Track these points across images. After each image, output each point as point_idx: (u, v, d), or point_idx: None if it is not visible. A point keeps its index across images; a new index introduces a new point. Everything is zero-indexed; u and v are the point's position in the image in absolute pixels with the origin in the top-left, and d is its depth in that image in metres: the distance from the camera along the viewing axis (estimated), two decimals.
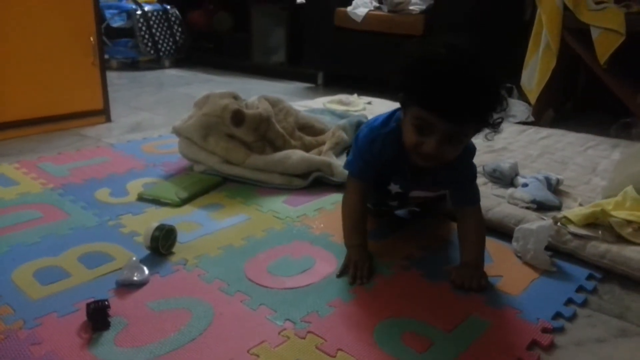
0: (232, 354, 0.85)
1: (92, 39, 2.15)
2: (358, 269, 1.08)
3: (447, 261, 1.17)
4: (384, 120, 1.13)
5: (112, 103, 2.32)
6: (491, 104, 0.98)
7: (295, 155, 1.60)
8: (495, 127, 1.02)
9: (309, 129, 1.88)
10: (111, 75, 2.40)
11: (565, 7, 2.23)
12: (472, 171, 1.16)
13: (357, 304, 1.00)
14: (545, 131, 2.23)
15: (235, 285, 1.04)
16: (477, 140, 1.09)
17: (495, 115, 1.00)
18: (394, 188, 1.20)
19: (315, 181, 1.58)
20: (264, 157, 1.60)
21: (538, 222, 1.21)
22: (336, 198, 1.49)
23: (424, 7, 2.84)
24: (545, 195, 1.41)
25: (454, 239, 1.28)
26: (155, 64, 3.82)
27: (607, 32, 2.14)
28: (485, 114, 0.98)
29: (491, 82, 0.96)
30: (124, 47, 3.68)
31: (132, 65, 3.75)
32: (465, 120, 0.97)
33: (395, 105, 1.10)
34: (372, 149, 1.11)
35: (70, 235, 1.23)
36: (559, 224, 1.24)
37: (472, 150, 1.14)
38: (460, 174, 1.13)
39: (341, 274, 1.09)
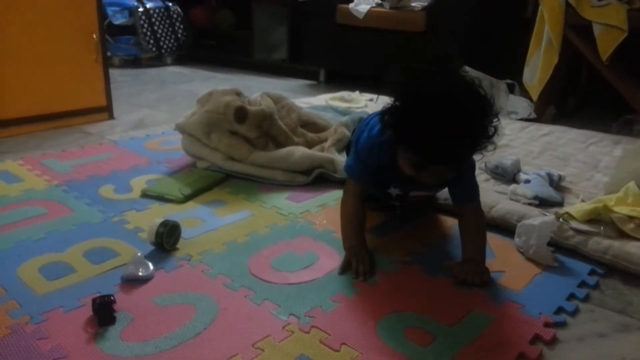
0: (237, 348, 0.86)
1: (94, 36, 2.16)
2: (360, 264, 1.08)
3: (449, 257, 1.17)
4: (381, 129, 1.11)
5: (115, 100, 2.32)
6: (481, 138, 0.98)
7: (298, 151, 1.60)
8: (490, 138, 1.00)
9: (311, 126, 1.89)
10: (113, 73, 2.41)
11: (567, 4, 2.23)
12: (470, 166, 1.15)
13: (361, 299, 1.00)
14: (547, 128, 2.23)
15: (240, 281, 1.05)
16: None
17: (487, 142, 0.99)
18: (394, 191, 1.21)
19: (318, 177, 1.59)
20: (267, 153, 1.60)
21: (540, 218, 1.21)
22: (339, 194, 1.48)
23: (425, 3, 2.84)
24: (548, 191, 1.41)
25: (456, 235, 1.29)
26: (157, 61, 3.83)
27: (609, 29, 2.14)
28: (476, 149, 1.00)
29: (478, 120, 0.96)
30: (126, 44, 3.69)
31: (134, 62, 3.76)
32: (457, 162, 1.00)
33: None
34: (370, 155, 1.13)
35: (75, 231, 1.23)
36: (561, 219, 1.25)
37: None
38: (460, 172, 1.12)
39: (343, 271, 1.09)
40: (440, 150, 0.95)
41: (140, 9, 3.67)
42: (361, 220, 1.17)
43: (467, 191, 1.15)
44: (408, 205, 1.31)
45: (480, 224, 1.15)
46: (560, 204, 1.39)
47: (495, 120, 0.99)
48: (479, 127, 0.96)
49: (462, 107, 0.93)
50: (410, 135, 0.98)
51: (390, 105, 1.01)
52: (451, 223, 1.35)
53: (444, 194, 1.34)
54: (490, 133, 0.99)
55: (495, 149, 1.03)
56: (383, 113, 1.03)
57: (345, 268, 1.10)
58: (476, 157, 1.06)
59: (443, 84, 0.95)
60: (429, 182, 1.04)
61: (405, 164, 1.03)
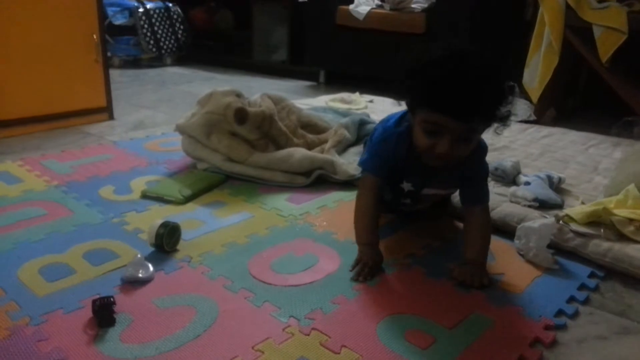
0: (237, 350, 0.85)
1: (95, 36, 2.16)
2: (365, 267, 1.08)
3: (450, 259, 1.17)
4: (397, 120, 1.15)
5: (115, 101, 2.32)
6: (497, 99, 1.00)
7: (298, 153, 1.60)
8: (504, 120, 1.03)
9: (311, 127, 1.89)
10: (113, 73, 2.41)
11: (568, 6, 2.23)
12: (483, 170, 1.17)
13: (361, 301, 1.00)
14: (546, 130, 2.24)
15: (240, 282, 1.05)
16: (487, 135, 1.09)
17: (503, 110, 1.01)
18: (407, 186, 1.20)
19: (317, 179, 1.59)
20: (267, 155, 1.60)
21: (540, 220, 1.21)
22: (339, 196, 1.50)
23: (425, 5, 2.84)
24: (548, 193, 1.41)
25: (457, 238, 1.29)
26: (157, 61, 3.83)
27: (609, 31, 2.14)
28: (492, 109, 1.00)
29: (495, 78, 0.98)
30: (126, 45, 3.69)
31: (134, 62, 3.76)
32: (474, 118, 0.99)
33: (397, 104, 1.11)
34: (387, 147, 1.13)
35: (75, 232, 1.23)
36: (561, 222, 1.25)
37: (484, 148, 1.15)
38: (473, 172, 1.14)
39: (354, 268, 1.10)
40: (458, 100, 0.95)
41: (141, 10, 3.67)
42: (376, 215, 1.17)
43: (477, 193, 1.16)
44: (417, 204, 1.30)
45: (486, 227, 1.15)
46: (560, 206, 1.39)
47: (510, 103, 1.01)
48: (492, 88, 0.98)
49: (481, 63, 0.97)
50: (429, 88, 0.98)
51: (410, 69, 1.02)
52: (452, 225, 1.36)
53: (455, 197, 1.33)
54: (504, 112, 1.01)
55: (510, 115, 1.04)
56: (401, 80, 1.04)
57: (356, 267, 1.10)
58: (488, 136, 1.08)
59: (463, 48, 1.00)
60: (444, 153, 1.00)
61: (420, 134, 1.03)
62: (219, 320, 0.93)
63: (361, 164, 1.22)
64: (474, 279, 1.06)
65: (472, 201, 1.16)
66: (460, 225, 1.34)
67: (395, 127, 1.13)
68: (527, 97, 2.49)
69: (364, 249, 1.13)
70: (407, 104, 1.07)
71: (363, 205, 1.17)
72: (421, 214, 1.36)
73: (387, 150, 1.13)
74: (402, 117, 1.15)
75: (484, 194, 1.16)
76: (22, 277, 1.04)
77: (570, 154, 1.91)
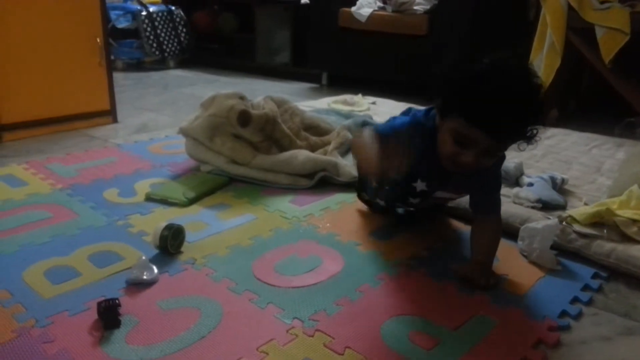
0: (241, 351, 0.86)
1: (98, 40, 2.16)
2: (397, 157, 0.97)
3: (453, 260, 1.17)
4: (424, 115, 1.12)
5: (118, 104, 2.33)
6: (534, 120, 0.99)
7: (301, 155, 1.61)
8: (530, 139, 1.02)
9: (314, 129, 1.89)
10: (116, 76, 2.42)
11: (570, 7, 2.23)
12: (498, 180, 1.17)
13: (364, 303, 1.01)
14: (549, 131, 2.23)
15: (244, 284, 1.05)
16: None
17: (534, 128, 1.01)
18: (420, 186, 1.17)
19: (321, 181, 1.59)
20: (270, 157, 1.61)
21: (543, 221, 1.21)
22: (342, 198, 1.50)
23: (428, 7, 2.85)
24: (551, 194, 1.42)
25: (460, 239, 1.30)
26: (160, 64, 3.84)
27: (611, 32, 2.14)
28: (527, 129, 1.00)
29: (536, 99, 0.97)
30: (129, 48, 3.70)
31: (137, 65, 3.77)
32: (508, 137, 0.99)
33: (398, 105, 1.10)
34: (414, 134, 1.09)
35: (80, 235, 1.24)
36: (564, 223, 1.25)
37: (502, 157, 1.14)
38: (486, 180, 1.13)
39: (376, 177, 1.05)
40: (498, 119, 0.94)
41: (144, 13, 3.68)
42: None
43: (490, 202, 1.15)
44: (426, 205, 1.29)
45: (496, 235, 1.14)
46: (564, 207, 1.39)
47: (540, 118, 1.00)
48: (528, 109, 0.97)
49: (525, 84, 0.96)
50: (471, 101, 0.96)
51: (449, 73, 1.01)
52: (455, 227, 1.36)
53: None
54: (533, 131, 1.00)
55: (537, 133, 1.03)
56: (439, 81, 1.02)
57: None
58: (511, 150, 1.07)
59: (505, 61, 0.97)
60: (468, 163, 1.00)
61: (448, 141, 1.01)
62: (224, 321, 0.93)
63: (379, 129, 1.11)
64: (479, 278, 1.06)
65: (484, 210, 1.16)
66: (463, 226, 1.34)
67: (423, 119, 1.10)
68: None
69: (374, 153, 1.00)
70: (438, 108, 1.05)
71: (368, 142, 1.04)
72: (416, 216, 1.36)
73: (406, 134, 1.09)
74: (427, 113, 1.12)
75: (496, 205, 1.16)
76: (28, 280, 1.04)
77: (573, 155, 1.91)
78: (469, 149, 0.99)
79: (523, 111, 0.96)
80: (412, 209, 1.32)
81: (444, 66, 1.02)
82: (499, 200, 1.16)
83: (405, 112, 1.21)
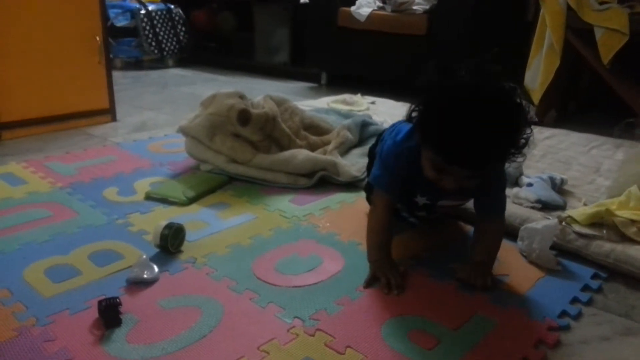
0: (242, 350, 0.86)
1: (98, 38, 2.16)
2: (391, 277, 1.05)
3: (454, 261, 1.17)
4: (407, 134, 1.09)
5: (117, 102, 2.33)
6: (512, 144, 0.95)
7: (301, 154, 1.61)
8: (520, 151, 0.98)
9: (314, 129, 1.89)
10: (115, 75, 2.41)
11: (569, 7, 2.23)
12: (502, 181, 1.14)
13: (365, 302, 1.01)
14: (548, 131, 2.24)
15: (244, 283, 1.05)
16: None
17: (518, 146, 0.97)
18: (421, 200, 1.17)
19: (320, 180, 1.59)
20: (270, 156, 1.61)
21: (543, 222, 1.22)
22: (342, 197, 1.50)
23: (427, 7, 2.85)
24: (550, 195, 1.42)
25: (461, 240, 1.30)
26: (158, 63, 3.83)
27: (610, 32, 2.14)
28: (506, 154, 0.97)
29: (513, 123, 0.93)
30: (127, 47, 3.69)
31: (135, 64, 3.76)
32: (484, 167, 0.97)
33: (397, 104, 1.10)
34: (399, 162, 1.09)
35: (80, 233, 1.24)
36: (563, 223, 1.25)
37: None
38: (490, 183, 1.09)
39: (367, 285, 1.05)
40: (463, 152, 0.92)
41: (142, 12, 3.67)
42: (389, 233, 1.13)
43: (495, 203, 1.13)
44: (435, 215, 1.29)
45: (499, 236, 1.12)
46: (563, 208, 1.39)
47: (527, 131, 0.96)
48: (507, 136, 0.93)
49: (492, 112, 0.90)
50: (434, 133, 0.95)
51: (418, 103, 0.99)
52: (456, 226, 1.36)
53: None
54: (520, 144, 0.96)
55: (524, 160, 1.01)
56: (411, 109, 1.01)
57: (370, 282, 1.06)
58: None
59: (478, 86, 0.93)
60: (451, 188, 1.00)
61: (427, 166, 1.01)
62: (224, 320, 0.94)
63: (373, 179, 1.16)
64: (477, 278, 1.05)
65: (487, 211, 1.14)
66: (465, 226, 1.35)
67: (407, 142, 1.08)
68: (528, 99, 2.49)
69: (375, 264, 1.09)
70: (416, 129, 1.02)
71: (376, 222, 1.13)
72: (430, 222, 1.35)
73: (398, 165, 1.09)
74: (413, 130, 1.06)
75: (502, 204, 1.13)
76: (28, 278, 1.04)
77: (572, 156, 1.91)
78: (447, 177, 0.98)
79: (499, 138, 0.92)
80: (423, 216, 1.31)
81: (418, 82, 0.99)
82: (504, 201, 1.14)
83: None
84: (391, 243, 1.13)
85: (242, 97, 1.71)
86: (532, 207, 1.37)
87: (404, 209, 1.28)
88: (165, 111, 2.53)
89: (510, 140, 0.95)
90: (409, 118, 1.02)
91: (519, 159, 1.01)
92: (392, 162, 1.11)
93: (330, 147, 1.77)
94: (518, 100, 0.94)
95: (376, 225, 1.13)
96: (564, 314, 1.00)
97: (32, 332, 0.88)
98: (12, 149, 1.86)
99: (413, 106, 1.01)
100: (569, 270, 1.16)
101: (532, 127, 0.99)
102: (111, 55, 3.21)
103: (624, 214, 1.25)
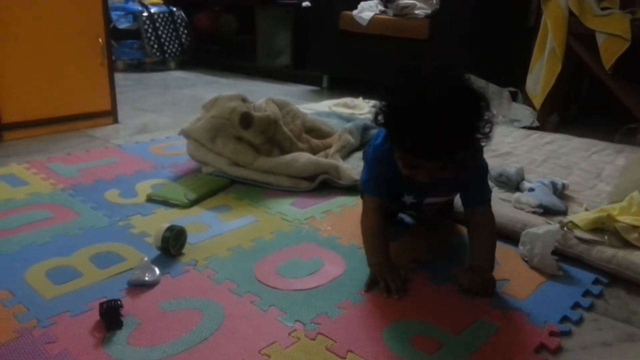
0: (243, 354, 0.86)
1: (100, 40, 2.17)
2: (391, 282, 1.05)
3: (454, 264, 1.17)
4: (384, 137, 1.12)
5: (119, 104, 2.33)
6: (471, 135, 0.99)
7: (303, 157, 1.61)
8: (486, 136, 1.01)
9: (315, 132, 1.90)
10: (117, 77, 2.42)
11: (571, 13, 2.24)
12: (481, 169, 1.15)
13: (366, 306, 1.01)
14: (550, 136, 2.24)
15: (245, 286, 1.05)
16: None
17: (481, 131, 1.00)
18: (408, 199, 1.19)
19: (322, 184, 1.59)
20: (272, 159, 1.61)
21: (545, 227, 1.22)
22: (343, 201, 1.50)
23: (429, 11, 2.85)
24: (552, 200, 1.42)
25: (460, 242, 1.30)
26: (160, 65, 3.84)
27: (612, 38, 2.15)
28: (467, 142, 0.99)
29: (467, 115, 0.97)
30: (129, 49, 3.70)
31: (137, 66, 3.77)
32: (447, 157, 0.99)
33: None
34: (380, 166, 1.12)
35: (81, 235, 1.24)
36: (565, 228, 1.25)
37: (478, 148, 1.12)
38: (469, 175, 1.12)
39: (368, 288, 1.06)
40: (425, 146, 0.96)
41: (145, 14, 3.68)
42: (383, 234, 1.14)
43: (478, 195, 1.14)
44: (425, 214, 1.30)
45: (490, 230, 1.14)
46: (564, 213, 1.39)
47: (488, 117, 0.99)
48: (466, 124, 0.97)
49: (448, 103, 0.94)
50: (398, 131, 1.00)
51: (381, 104, 1.02)
52: (456, 230, 1.36)
53: (458, 202, 1.33)
54: (483, 130, 1.00)
55: (486, 143, 1.04)
56: (376, 112, 1.04)
57: (371, 286, 1.06)
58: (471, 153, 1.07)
59: (434, 81, 0.97)
60: (425, 182, 1.04)
61: (400, 164, 1.04)
62: (225, 324, 0.93)
63: (361, 185, 1.22)
64: (479, 287, 1.05)
65: (473, 203, 1.15)
66: (464, 229, 1.35)
67: (384, 144, 1.11)
68: (530, 103, 2.50)
69: (375, 267, 1.09)
70: (384, 130, 1.07)
71: (369, 226, 1.15)
72: (423, 221, 1.36)
73: (381, 169, 1.13)
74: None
75: (485, 196, 1.15)
76: (30, 280, 1.04)
77: (574, 161, 1.91)
78: (419, 171, 1.02)
79: (458, 128, 0.95)
80: (415, 215, 1.32)
81: (381, 88, 1.04)
82: (488, 190, 1.16)
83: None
84: (388, 246, 1.14)
85: (244, 100, 1.72)
86: (534, 212, 1.37)
87: (397, 209, 1.28)
88: (167, 113, 2.53)
89: (471, 128, 0.98)
90: (375, 121, 1.05)
91: (484, 143, 1.04)
92: (375, 166, 1.15)
93: (331, 150, 1.78)
94: (475, 88, 0.98)
95: (369, 230, 1.15)
96: (565, 319, 1.00)
97: (33, 334, 0.88)
98: (13, 150, 1.86)
99: (376, 109, 1.04)
100: (570, 275, 1.15)
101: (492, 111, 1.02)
102: (113, 57, 3.21)
103: (626, 219, 1.25)
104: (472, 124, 0.98)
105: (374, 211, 1.15)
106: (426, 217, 1.33)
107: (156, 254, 1.15)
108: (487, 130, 1.00)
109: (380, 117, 1.03)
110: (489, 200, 1.15)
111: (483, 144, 1.05)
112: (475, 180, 1.14)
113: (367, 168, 1.19)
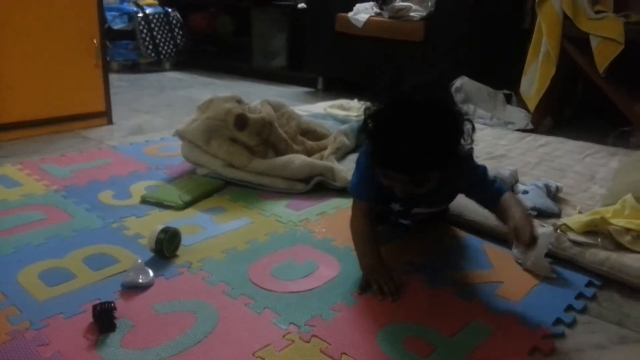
0: (238, 356, 0.86)
1: (95, 41, 2.16)
2: (384, 284, 1.05)
3: (449, 267, 1.18)
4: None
5: (113, 105, 2.32)
6: (444, 153, 0.99)
7: (298, 159, 1.61)
8: (461, 154, 1.04)
9: (311, 134, 1.90)
10: (112, 78, 2.41)
11: (565, 16, 2.25)
12: (478, 173, 1.16)
13: (360, 309, 1.01)
14: (544, 139, 2.25)
15: (240, 289, 1.05)
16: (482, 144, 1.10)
17: (460, 148, 1.02)
18: (395, 206, 1.21)
19: (317, 186, 1.59)
20: (267, 161, 1.61)
21: (538, 229, 1.22)
22: (338, 203, 1.50)
23: (424, 14, 2.86)
24: (545, 202, 1.42)
25: (456, 245, 1.30)
26: (155, 66, 3.83)
27: (606, 41, 2.16)
28: (436, 164, 1.00)
29: (440, 134, 0.97)
30: (124, 49, 3.69)
31: (132, 67, 3.76)
32: (423, 174, 1.01)
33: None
34: (370, 171, 1.12)
35: (75, 237, 1.23)
36: (559, 231, 1.26)
37: (467, 156, 1.13)
38: (469, 181, 1.14)
39: (362, 291, 1.06)
40: (394, 160, 0.98)
41: (140, 15, 3.67)
42: (373, 237, 1.15)
43: (490, 192, 1.14)
44: (413, 221, 1.31)
45: (519, 202, 1.11)
46: (558, 215, 1.39)
47: (465, 140, 1.01)
48: (439, 144, 0.97)
49: (421, 121, 0.96)
50: (372, 142, 1.03)
51: (367, 112, 1.04)
52: (451, 232, 1.36)
53: (454, 204, 1.34)
54: (459, 148, 1.01)
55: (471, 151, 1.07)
56: (365, 119, 1.05)
57: (364, 288, 1.06)
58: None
59: (411, 98, 0.99)
60: (401, 195, 1.06)
61: (379, 176, 1.06)
62: (220, 326, 0.93)
63: (351, 189, 1.22)
64: (524, 233, 1.00)
65: (493, 201, 1.13)
66: (460, 232, 1.35)
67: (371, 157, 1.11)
68: (524, 106, 2.51)
69: (367, 269, 1.10)
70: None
71: (358, 229, 1.16)
72: (417, 224, 1.36)
73: (370, 174, 1.12)
74: None
75: (498, 189, 1.14)
76: (22, 282, 1.04)
77: (568, 163, 1.92)
78: (394, 183, 1.04)
79: (429, 147, 0.96)
80: (407, 221, 1.33)
81: (366, 98, 1.06)
82: (496, 183, 1.17)
83: None
84: (380, 248, 1.14)
85: (239, 101, 1.71)
86: None
87: (386, 214, 1.28)
88: (162, 114, 2.53)
89: (443, 148, 0.99)
90: (364, 127, 1.06)
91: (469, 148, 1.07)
92: (364, 171, 1.16)
93: (326, 152, 1.78)
94: (454, 109, 1.00)
95: (359, 233, 1.16)
96: (558, 321, 1.00)
97: (26, 336, 0.88)
98: (7, 151, 1.85)
99: (364, 116, 1.05)
100: (563, 278, 1.16)
101: (473, 126, 1.04)
102: (108, 58, 3.21)
103: (619, 222, 1.26)
104: (445, 145, 0.99)
105: (363, 215, 1.17)
106: (418, 221, 1.33)
107: (150, 256, 1.15)
108: (462, 149, 1.02)
109: (367, 124, 1.04)
110: (504, 189, 1.14)
111: (469, 148, 1.07)
112: (479, 183, 1.15)
113: (357, 172, 1.20)
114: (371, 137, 1.03)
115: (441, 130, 0.98)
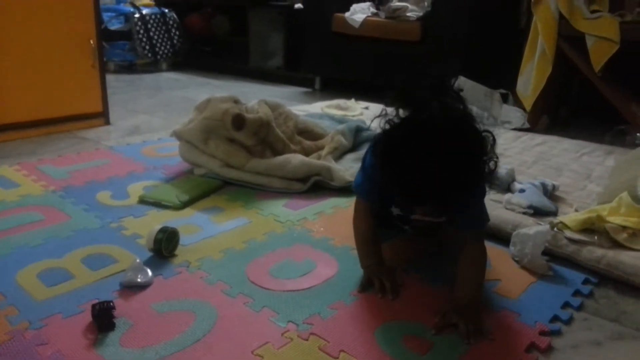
0: (236, 355, 0.86)
1: (92, 41, 2.16)
2: (385, 282, 1.05)
3: (447, 265, 1.18)
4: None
5: (110, 106, 2.32)
6: (470, 181, 0.92)
7: (295, 159, 1.61)
8: (482, 178, 0.96)
9: (308, 134, 1.90)
10: (108, 78, 2.40)
11: (561, 15, 2.26)
12: (478, 192, 1.06)
13: (358, 307, 1.01)
14: (540, 137, 2.26)
15: (238, 288, 1.05)
16: None
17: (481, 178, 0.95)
18: (395, 210, 1.18)
19: (314, 185, 1.60)
20: (264, 161, 1.61)
21: (535, 227, 1.23)
22: (335, 202, 1.51)
23: (420, 14, 2.87)
24: (542, 201, 1.43)
25: (454, 244, 1.30)
26: (152, 67, 3.83)
27: (601, 41, 2.17)
28: (464, 190, 0.92)
29: (466, 162, 0.89)
30: (121, 50, 3.69)
31: (129, 68, 3.76)
32: (439, 203, 0.95)
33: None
34: (376, 173, 1.07)
35: (73, 237, 1.23)
36: (555, 229, 1.26)
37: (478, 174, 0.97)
38: (465, 197, 0.99)
39: (362, 289, 1.06)
40: (421, 193, 0.91)
41: (136, 15, 3.67)
42: (375, 237, 1.14)
43: (471, 218, 1.06)
44: (413, 227, 1.26)
45: (479, 260, 1.06)
46: (555, 214, 1.40)
47: (489, 158, 0.94)
48: (466, 169, 0.90)
49: (448, 148, 0.87)
50: (394, 174, 0.94)
51: (380, 136, 0.97)
52: (449, 231, 1.36)
53: None
54: (483, 171, 0.94)
55: (489, 183, 1.02)
56: (375, 143, 1.00)
57: (364, 287, 1.06)
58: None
59: (433, 120, 0.88)
60: (423, 218, 1.03)
61: (398, 201, 1.05)
62: (218, 325, 0.94)
63: (355, 186, 1.19)
64: (460, 323, 0.94)
65: (464, 227, 1.07)
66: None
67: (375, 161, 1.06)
68: (520, 105, 2.52)
69: (368, 268, 1.09)
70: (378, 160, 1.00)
71: (360, 229, 1.15)
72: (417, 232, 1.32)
73: (375, 175, 1.06)
74: None
75: (479, 219, 1.08)
76: (21, 282, 1.04)
77: (564, 162, 1.93)
78: (417, 209, 1.01)
79: (453, 177, 0.88)
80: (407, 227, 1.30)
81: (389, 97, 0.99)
82: (485, 215, 1.10)
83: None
84: (380, 247, 1.14)
85: (236, 101, 1.72)
86: (524, 213, 1.38)
87: (385, 218, 1.27)
88: (159, 115, 2.53)
89: (472, 175, 0.92)
90: (373, 148, 1.02)
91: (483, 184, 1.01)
92: (371, 172, 1.11)
93: (324, 152, 1.78)
94: (477, 127, 0.92)
95: (362, 232, 1.15)
96: (555, 318, 1.01)
97: (25, 336, 0.88)
98: (4, 152, 1.85)
99: (375, 137, 1.01)
100: (560, 275, 1.17)
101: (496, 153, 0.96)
102: (105, 59, 3.20)
103: (615, 220, 1.27)
104: (474, 173, 0.92)
105: (365, 214, 1.16)
106: (418, 229, 1.26)
107: (148, 256, 1.15)
108: (484, 171, 0.94)
109: (377, 152, 0.97)
110: (482, 225, 1.10)
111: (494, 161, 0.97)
112: (469, 203, 1.04)
113: (362, 171, 1.16)
114: (389, 169, 0.94)
115: (469, 159, 0.89)
